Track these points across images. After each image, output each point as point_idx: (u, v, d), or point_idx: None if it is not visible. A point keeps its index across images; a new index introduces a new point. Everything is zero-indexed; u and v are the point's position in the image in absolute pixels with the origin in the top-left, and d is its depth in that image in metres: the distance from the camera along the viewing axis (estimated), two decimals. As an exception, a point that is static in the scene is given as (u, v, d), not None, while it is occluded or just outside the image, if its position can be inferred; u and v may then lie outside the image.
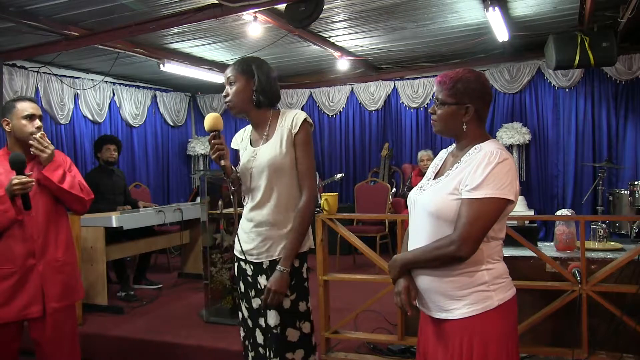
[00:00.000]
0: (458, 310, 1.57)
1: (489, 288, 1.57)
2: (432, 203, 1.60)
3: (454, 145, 1.74)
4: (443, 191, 1.59)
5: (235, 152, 2.23)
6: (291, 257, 1.98)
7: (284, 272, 1.96)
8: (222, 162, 1.98)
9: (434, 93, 6.96)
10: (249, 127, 2.17)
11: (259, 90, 2.02)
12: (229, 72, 2.05)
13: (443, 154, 1.81)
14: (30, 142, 2.36)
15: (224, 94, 2.06)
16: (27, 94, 5.61)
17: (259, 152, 2.04)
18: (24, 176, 2.31)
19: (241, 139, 2.19)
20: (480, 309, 1.56)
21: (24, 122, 2.40)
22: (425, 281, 1.63)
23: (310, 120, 2.06)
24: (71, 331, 2.51)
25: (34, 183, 2.33)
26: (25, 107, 2.42)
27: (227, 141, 2.07)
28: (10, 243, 2.33)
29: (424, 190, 1.68)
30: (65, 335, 2.46)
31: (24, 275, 2.34)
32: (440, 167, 1.75)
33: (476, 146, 1.62)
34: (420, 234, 1.65)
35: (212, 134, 1.97)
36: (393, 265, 1.69)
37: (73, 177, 2.49)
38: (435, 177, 1.71)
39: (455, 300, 1.58)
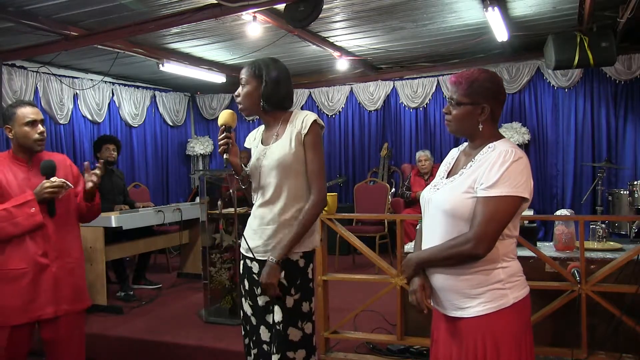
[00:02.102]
0: (473, 308, 1.58)
1: (504, 286, 1.58)
2: (447, 201, 1.61)
3: (465, 144, 1.75)
4: (458, 190, 1.60)
5: (248, 152, 2.25)
6: (284, 249, 1.96)
7: (272, 262, 1.94)
8: (225, 156, 2.01)
9: (433, 93, 6.93)
10: (262, 127, 2.19)
11: (264, 96, 2.03)
12: (242, 73, 2.07)
13: (455, 152, 1.81)
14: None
15: (235, 93, 2.09)
16: (27, 94, 5.62)
17: (268, 150, 2.05)
18: (55, 180, 2.32)
19: (254, 138, 2.20)
20: (496, 307, 1.56)
21: (26, 129, 2.37)
22: (440, 280, 1.64)
23: (321, 122, 2.06)
24: (80, 334, 2.51)
25: (64, 188, 2.34)
26: (26, 113, 2.38)
27: (241, 141, 2.09)
28: (25, 243, 2.31)
29: (438, 189, 1.69)
30: (75, 337, 2.46)
31: (37, 276, 2.32)
32: (453, 166, 1.75)
33: (490, 145, 1.62)
34: (435, 233, 1.65)
35: (221, 128, 2.01)
36: (408, 263, 1.69)
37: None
38: (448, 176, 1.71)
39: (471, 298, 1.58)
